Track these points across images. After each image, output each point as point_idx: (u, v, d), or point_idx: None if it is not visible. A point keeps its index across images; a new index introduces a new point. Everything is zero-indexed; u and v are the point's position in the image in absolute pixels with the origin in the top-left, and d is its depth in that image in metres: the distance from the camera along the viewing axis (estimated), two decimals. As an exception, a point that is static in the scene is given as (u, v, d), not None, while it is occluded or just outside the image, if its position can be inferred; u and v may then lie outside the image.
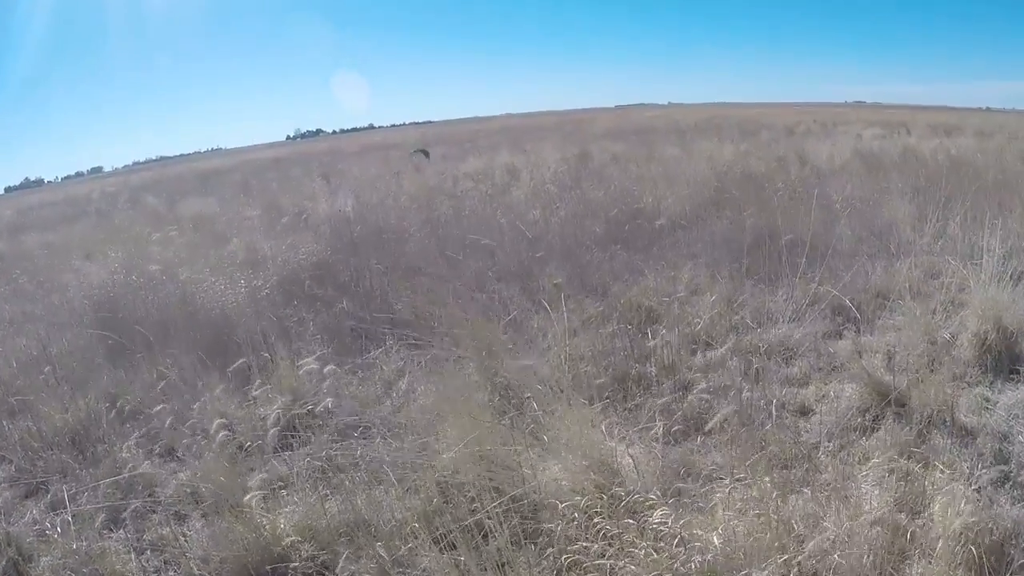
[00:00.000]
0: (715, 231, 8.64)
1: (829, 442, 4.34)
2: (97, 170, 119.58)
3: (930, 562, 3.26)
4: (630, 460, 3.85)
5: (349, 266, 8.32)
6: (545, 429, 4.06)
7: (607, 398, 4.56)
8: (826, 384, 5.19)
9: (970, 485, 3.72)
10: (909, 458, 4.01)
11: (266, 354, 5.76)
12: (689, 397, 4.87)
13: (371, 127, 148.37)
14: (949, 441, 4.23)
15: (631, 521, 3.35)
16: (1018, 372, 5.11)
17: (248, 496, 3.85)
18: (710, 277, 7.03)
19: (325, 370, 4.90)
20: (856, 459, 4.20)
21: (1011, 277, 5.59)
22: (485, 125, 55.71)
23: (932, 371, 4.88)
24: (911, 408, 4.51)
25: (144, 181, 35.55)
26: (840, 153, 15.64)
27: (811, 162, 14.64)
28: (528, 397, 4.33)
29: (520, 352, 5.25)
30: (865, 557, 3.23)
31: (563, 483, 3.74)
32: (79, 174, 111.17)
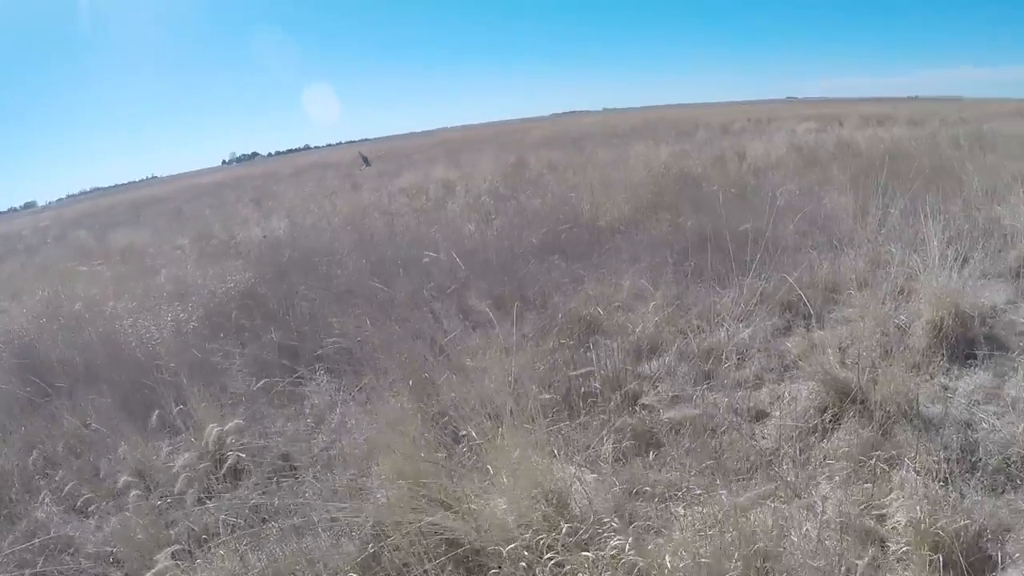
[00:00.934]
0: (655, 234, 8.42)
1: (788, 447, 4.10)
2: (31, 205, 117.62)
3: (907, 569, 3.04)
4: (580, 487, 3.56)
5: (278, 293, 7.94)
6: (487, 458, 3.73)
7: (552, 418, 4.25)
8: (780, 384, 4.99)
9: (939, 480, 3.58)
10: (874, 457, 3.79)
11: (181, 405, 5.36)
12: (638, 410, 4.62)
13: (307, 148, 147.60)
14: (914, 435, 4.02)
15: (587, 553, 3.07)
16: (974, 357, 4.99)
17: (159, 555, 3.49)
18: (653, 281, 6.78)
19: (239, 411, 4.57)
20: (818, 462, 3.98)
21: (957, 261, 5.42)
22: (422, 140, 55.54)
23: (889, 363, 4.68)
24: (872, 404, 4.29)
25: (78, 214, 34.98)
26: (776, 149, 15.61)
27: (748, 159, 14.60)
28: (464, 433, 4.01)
29: (457, 375, 4.90)
30: (837, 570, 2.98)
31: (509, 518, 3.41)
32: (12, 209, 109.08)
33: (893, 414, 4.19)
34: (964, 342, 5.12)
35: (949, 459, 3.79)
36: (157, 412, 5.31)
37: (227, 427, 4.79)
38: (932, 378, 4.78)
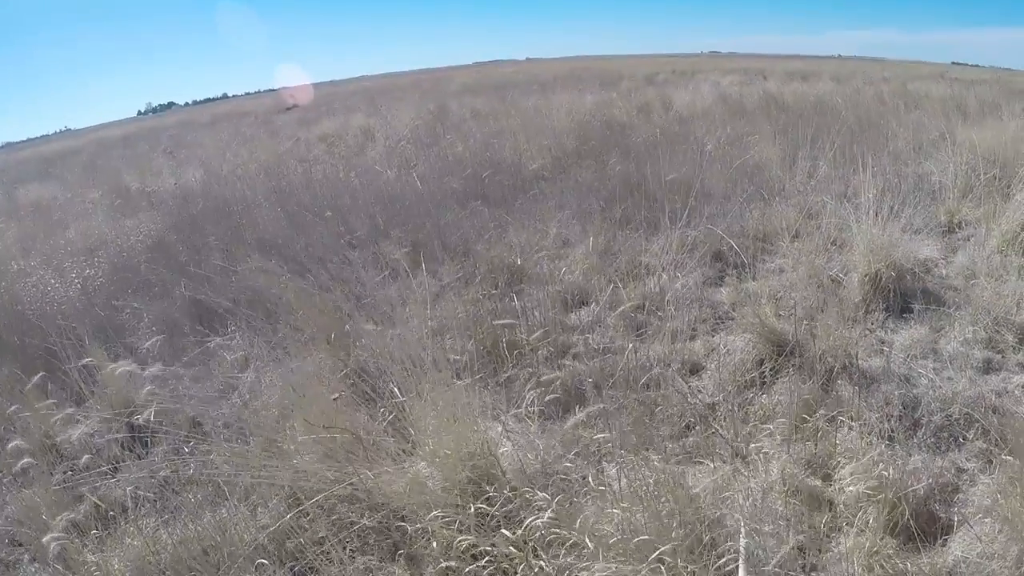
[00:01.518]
0: (581, 181, 8.14)
1: (725, 402, 3.88)
2: None
3: (860, 533, 2.85)
4: (508, 447, 3.28)
5: (190, 245, 7.44)
6: (409, 419, 3.40)
7: (477, 373, 3.92)
8: (714, 336, 4.79)
9: (882, 439, 3.41)
10: (814, 414, 3.59)
11: (85, 368, 4.90)
12: (567, 362, 4.34)
13: (225, 96, 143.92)
14: (854, 391, 3.83)
15: (507, 533, 2.81)
16: (910, 311, 4.88)
17: (47, 538, 3.22)
18: (580, 229, 6.50)
19: (146, 373, 4.16)
20: (758, 419, 3.76)
21: (891, 214, 5.25)
22: (340, 88, 54.09)
23: (825, 315, 4.48)
24: (809, 357, 4.09)
25: (-14, 170, 33.05)
26: (702, 99, 15.48)
27: (674, 108, 14.42)
28: (386, 382, 3.66)
29: (376, 328, 4.54)
30: (786, 535, 2.76)
31: (433, 483, 3.12)
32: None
33: (832, 368, 4.01)
34: (899, 295, 5.00)
35: (891, 416, 3.63)
36: (60, 377, 4.91)
37: (133, 390, 4.39)
38: (870, 332, 4.64)
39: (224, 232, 7.68)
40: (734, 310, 4.98)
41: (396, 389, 3.49)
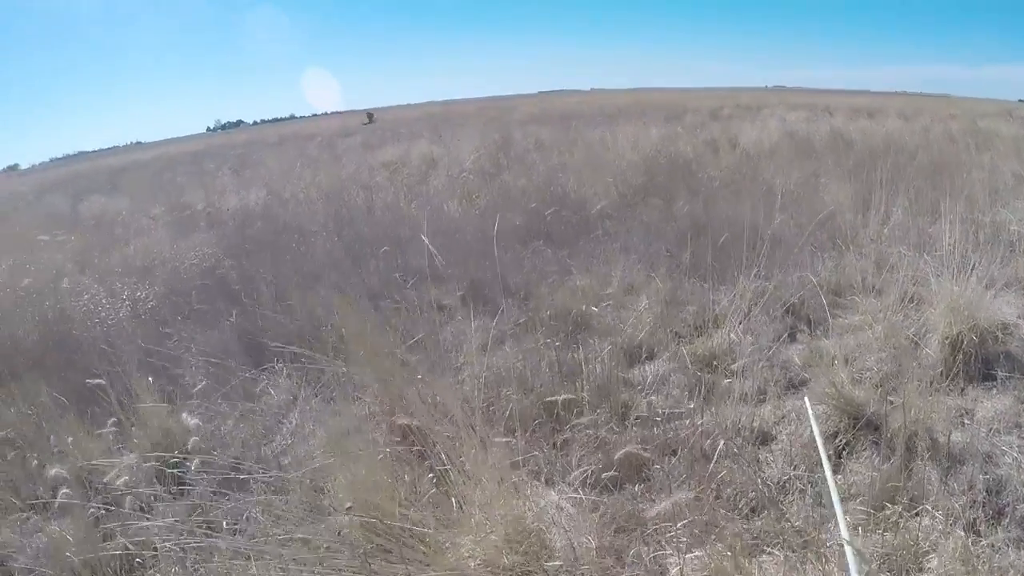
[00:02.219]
0: (647, 221, 7.94)
1: (796, 479, 3.65)
2: (14, 167, 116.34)
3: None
4: (560, 520, 3.10)
5: (245, 272, 7.39)
6: (454, 485, 3.23)
7: (532, 431, 3.77)
8: (784, 400, 4.53)
9: (969, 531, 3.14)
10: (892, 498, 3.34)
11: (128, 398, 4.80)
12: (628, 425, 4.15)
13: (292, 117, 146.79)
14: (935, 471, 3.57)
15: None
16: (993, 377, 4.55)
17: None
18: (645, 274, 6.31)
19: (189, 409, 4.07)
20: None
21: (970, 268, 4.97)
22: (407, 113, 54.67)
23: (902, 380, 4.23)
24: (886, 430, 3.83)
25: (58, 178, 33.95)
26: (768, 136, 15.19)
27: (741, 145, 14.15)
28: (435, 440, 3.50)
29: (429, 376, 4.39)
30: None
31: (476, 563, 2.93)
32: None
33: (911, 443, 3.75)
34: (982, 360, 4.66)
35: (975, 501, 3.37)
36: (103, 404, 4.73)
37: (175, 425, 4.31)
38: (950, 401, 4.34)
39: (279, 260, 7.62)
40: (806, 371, 4.74)
41: (444, 455, 3.32)
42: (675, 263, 6.49)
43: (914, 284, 5.58)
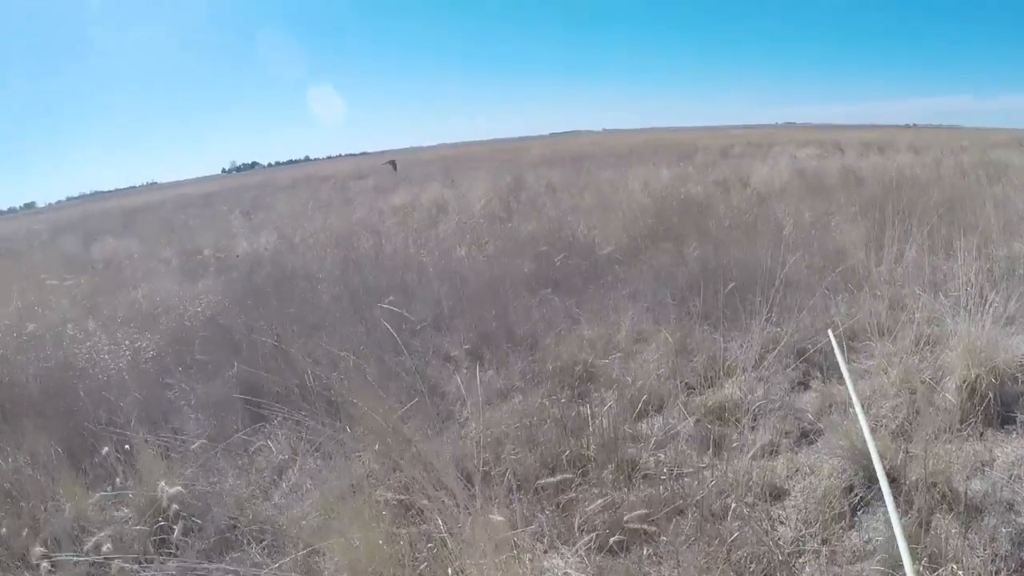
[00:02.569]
0: (656, 265, 7.83)
1: (810, 536, 3.52)
2: (31, 205, 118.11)
3: None
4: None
5: (249, 321, 7.30)
6: (452, 556, 3.12)
7: (536, 491, 3.66)
8: (798, 454, 4.36)
9: None
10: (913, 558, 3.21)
11: (124, 451, 4.71)
12: (635, 483, 4.02)
13: (307, 159, 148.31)
14: (954, 524, 3.43)
15: None
16: (1012, 420, 4.41)
17: None
18: (654, 322, 6.21)
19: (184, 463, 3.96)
20: (846, 560, 3.38)
21: (985, 305, 4.86)
22: (419, 155, 55.00)
23: (919, 427, 4.12)
24: (904, 483, 3.70)
25: (72, 217, 34.51)
26: (779, 174, 15.12)
27: (751, 184, 14.09)
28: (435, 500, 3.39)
29: (427, 436, 4.30)
30: None
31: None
32: (11, 210, 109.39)
33: (931, 496, 3.62)
34: (1000, 402, 4.51)
35: (996, 555, 3.23)
36: (98, 458, 4.66)
37: (170, 486, 4.20)
38: (968, 447, 4.20)
39: (284, 309, 7.54)
40: (820, 420, 4.62)
41: (439, 520, 3.22)
42: (684, 310, 6.37)
43: (929, 325, 5.48)
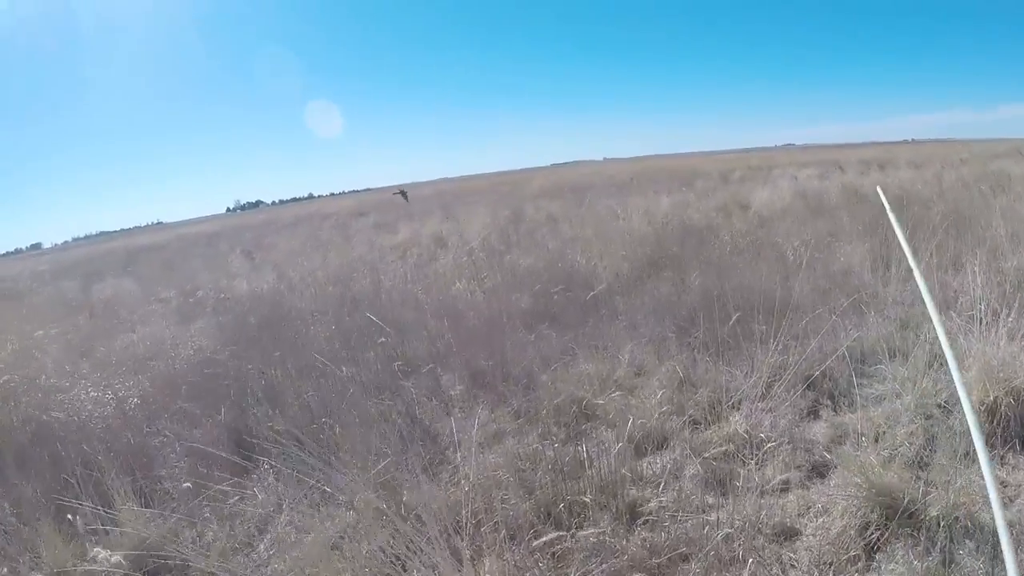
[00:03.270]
0: (657, 295, 7.60)
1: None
2: (37, 246, 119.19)
3: None
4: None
5: (241, 364, 7.08)
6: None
7: (529, 539, 3.42)
8: (809, 490, 4.10)
9: None
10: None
11: (105, 504, 4.51)
12: (637, 527, 3.77)
13: (310, 196, 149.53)
14: (979, 561, 3.19)
15: None
16: (1032, 442, 4.14)
17: None
18: (655, 354, 5.97)
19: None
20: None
21: (998, 320, 4.70)
22: (421, 190, 55.11)
23: (936, 454, 3.87)
24: (923, 518, 3.46)
25: (76, 259, 34.61)
26: (780, 197, 14.97)
27: (752, 208, 13.93)
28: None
29: (423, 477, 4.07)
30: None
31: None
32: (18, 250, 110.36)
33: (950, 529, 3.37)
34: (1020, 423, 4.29)
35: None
36: (81, 509, 4.39)
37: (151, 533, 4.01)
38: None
39: (278, 350, 7.30)
40: (831, 452, 4.37)
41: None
42: (686, 341, 6.13)
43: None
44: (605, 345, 6.37)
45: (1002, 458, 4.12)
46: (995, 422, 4.28)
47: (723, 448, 4.46)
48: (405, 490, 3.99)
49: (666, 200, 16.19)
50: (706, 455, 4.27)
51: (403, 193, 25.83)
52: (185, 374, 7.15)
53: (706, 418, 4.94)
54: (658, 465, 4.48)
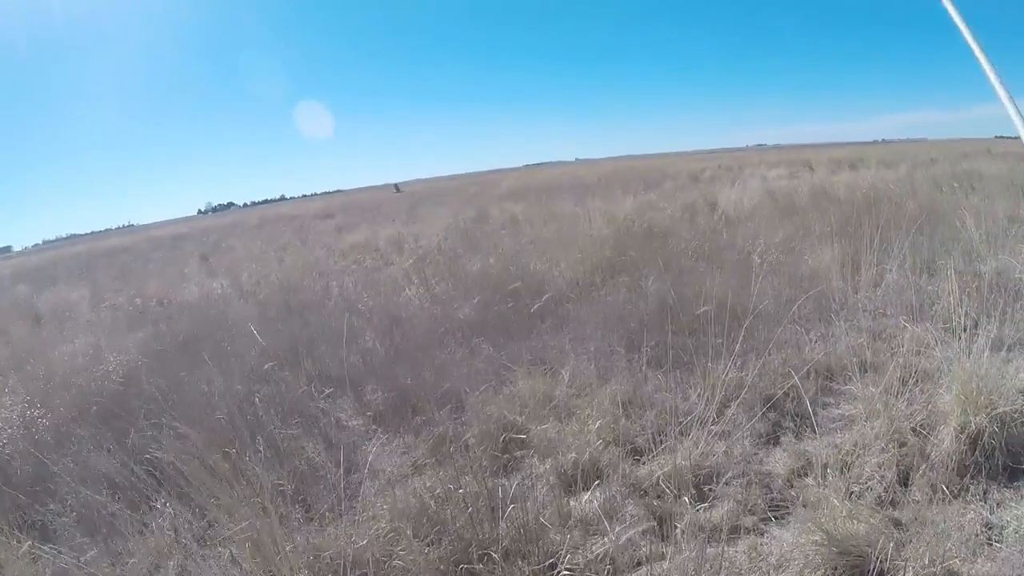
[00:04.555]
0: (609, 303, 6.98)
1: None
2: (6, 250, 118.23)
3: None
4: None
5: (157, 384, 6.41)
6: None
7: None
8: (763, 536, 3.52)
9: None
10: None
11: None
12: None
13: (282, 198, 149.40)
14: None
15: None
16: (1020, 475, 3.67)
17: None
18: (600, 371, 5.34)
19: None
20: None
21: (979, 329, 4.23)
22: (389, 192, 54.80)
23: (910, 490, 3.35)
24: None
25: (39, 263, 33.96)
26: (749, 198, 14.52)
27: (720, 208, 13.46)
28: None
29: (323, 517, 3.49)
30: None
31: None
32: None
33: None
34: (1006, 450, 3.75)
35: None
36: None
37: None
38: (971, 512, 3.44)
39: (200, 367, 6.62)
40: (791, 486, 3.82)
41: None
42: (635, 355, 5.50)
43: (917, 356, 4.75)
44: (547, 360, 5.78)
45: (984, 492, 3.60)
46: (977, 451, 3.75)
47: (667, 483, 3.87)
48: (296, 536, 3.39)
49: (630, 201, 15.71)
50: (647, 493, 3.68)
51: (396, 188, 26.06)
52: (103, 392, 6.56)
53: (650, 447, 4.31)
54: (591, 504, 3.82)
